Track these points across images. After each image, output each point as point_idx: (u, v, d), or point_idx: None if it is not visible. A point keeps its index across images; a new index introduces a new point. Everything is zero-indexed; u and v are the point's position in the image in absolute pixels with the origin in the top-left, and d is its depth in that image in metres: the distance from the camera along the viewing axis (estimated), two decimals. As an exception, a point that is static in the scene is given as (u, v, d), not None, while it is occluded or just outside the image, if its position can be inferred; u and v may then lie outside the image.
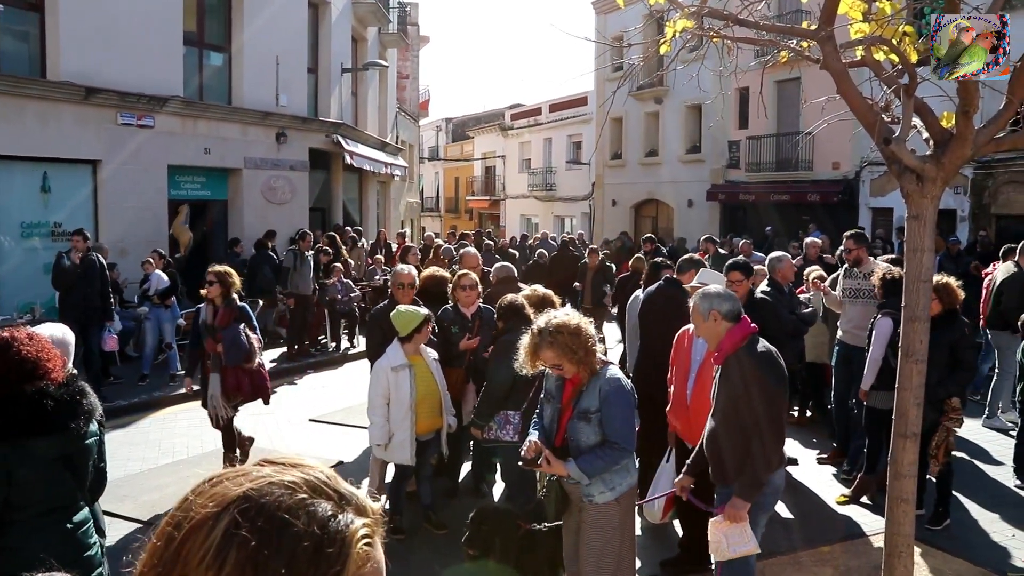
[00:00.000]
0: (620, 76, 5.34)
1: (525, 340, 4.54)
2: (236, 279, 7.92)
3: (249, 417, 10.66)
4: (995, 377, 9.97)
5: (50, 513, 3.58)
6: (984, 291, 10.51)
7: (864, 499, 7.44)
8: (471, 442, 7.42)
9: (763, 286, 8.18)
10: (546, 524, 4.74)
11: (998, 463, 8.61)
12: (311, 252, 14.91)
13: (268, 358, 14.06)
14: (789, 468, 8.30)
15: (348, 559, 0.96)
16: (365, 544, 0.99)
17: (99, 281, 11.07)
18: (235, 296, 7.86)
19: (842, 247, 8.83)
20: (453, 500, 7.39)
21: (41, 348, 3.53)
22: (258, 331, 8.04)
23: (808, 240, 12.11)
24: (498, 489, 7.63)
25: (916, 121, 4.37)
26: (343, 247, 17.13)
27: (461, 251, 11.40)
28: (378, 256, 17.87)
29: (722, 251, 16.08)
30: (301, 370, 13.84)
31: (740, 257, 9.65)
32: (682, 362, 5.87)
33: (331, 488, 1.03)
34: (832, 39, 4.22)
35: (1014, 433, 9.44)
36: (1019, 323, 8.45)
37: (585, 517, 4.49)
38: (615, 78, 26.30)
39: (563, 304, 7.25)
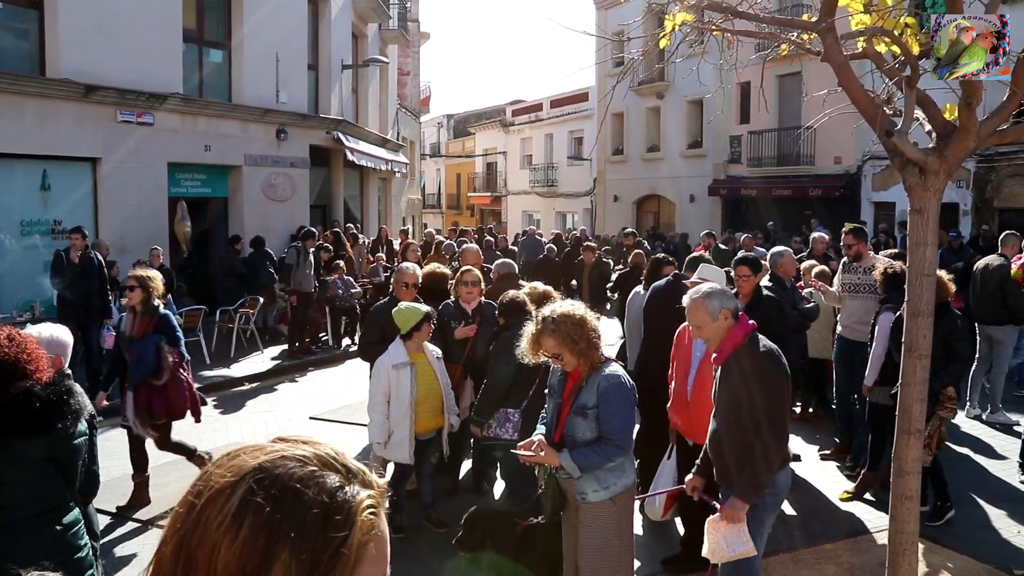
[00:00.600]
0: (621, 71, 5.28)
1: (529, 328, 4.51)
2: (159, 284, 7.18)
3: (249, 415, 10.67)
4: (993, 371, 9.91)
5: (40, 515, 3.54)
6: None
7: (868, 495, 7.39)
8: (472, 439, 7.37)
9: (765, 281, 8.13)
10: (543, 518, 4.72)
11: (1002, 458, 8.56)
12: (312, 249, 14.87)
13: (269, 355, 14.08)
14: (792, 464, 8.25)
15: (354, 526, 1.04)
16: (370, 513, 1.07)
17: (98, 279, 11.04)
18: (157, 303, 7.10)
19: (841, 242, 8.77)
20: (453, 498, 7.35)
21: (22, 349, 3.48)
22: (182, 343, 7.23)
23: (815, 235, 12.02)
24: (499, 487, 7.59)
25: (918, 113, 4.32)
26: (345, 244, 17.11)
27: (462, 247, 11.36)
28: (379, 254, 17.85)
29: (723, 246, 15.95)
30: (302, 368, 13.81)
31: (749, 252, 9.59)
32: (682, 358, 5.82)
33: (339, 463, 1.11)
34: (833, 31, 4.17)
35: (1018, 428, 9.41)
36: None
37: (581, 517, 4.44)
38: (616, 73, 26.20)
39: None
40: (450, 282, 8.07)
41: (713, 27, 4.75)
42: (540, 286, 6.91)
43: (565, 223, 37.88)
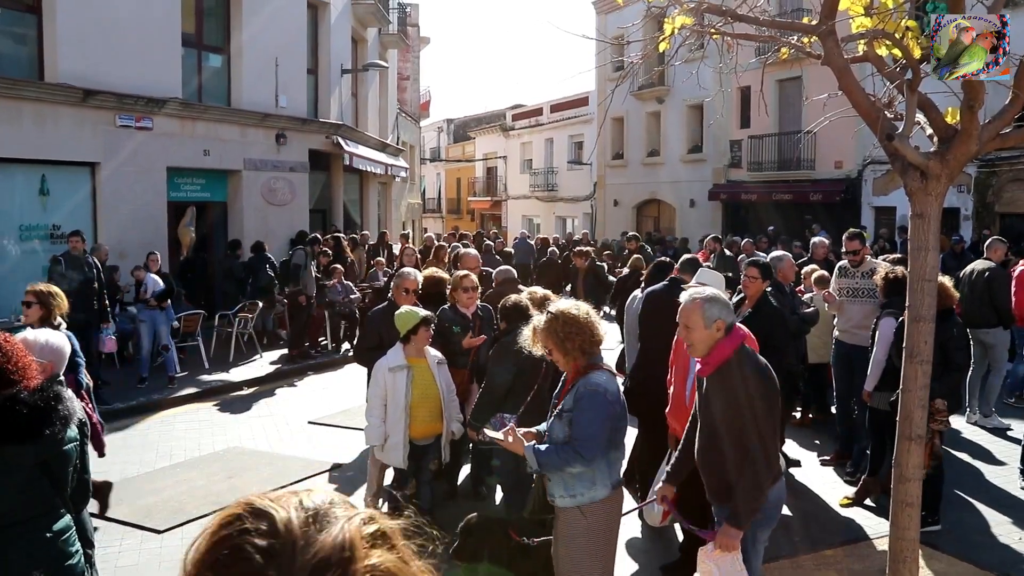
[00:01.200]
0: (621, 76, 5.26)
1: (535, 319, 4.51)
2: (62, 300, 6.52)
3: (248, 419, 10.64)
4: (990, 376, 9.88)
5: (29, 521, 3.50)
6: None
7: (868, 501, 7.35)
8: (471, 444, 7.34)
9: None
10: (535, 540, 4.68)
11: (1001, 463, 8.52)
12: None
13: (268, 360, 14.05)
14: (792, 470, 8.23)
15: None
16: None
17: (96, 283, 11.01)
18: (59, 322, 6.46)
19: (844, 248, 8.74)
20: (452, 503, 7.31)
21: (7, 356, 3.45)
22: (81, 368, 6.39)
23: (816, 240, 11.98)
24: (499, 493, 7.55)
25: (920, 117, 4.30)
26: (345, 248, 17.07)
27: (461, 252, 11.31)
28: (379, 259, 17.81)
29: (728, 252, 15.71)
30: (301, 372, 13.77)
31: (761, 256, 9.59)
32: (682, 363, 5.79)
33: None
34: (833, 34, 4.15)
35: (1011, 433, 9.38)
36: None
37: (557, 524, 4.40)
38: (616, 78, 26.18)
39: None
40: (447, 286, 8.04)
41: (713, 31, 4.73)
42: (539, 290, 6.87)
43: (565, 228, 37.86)
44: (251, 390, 12.50)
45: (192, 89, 16.56)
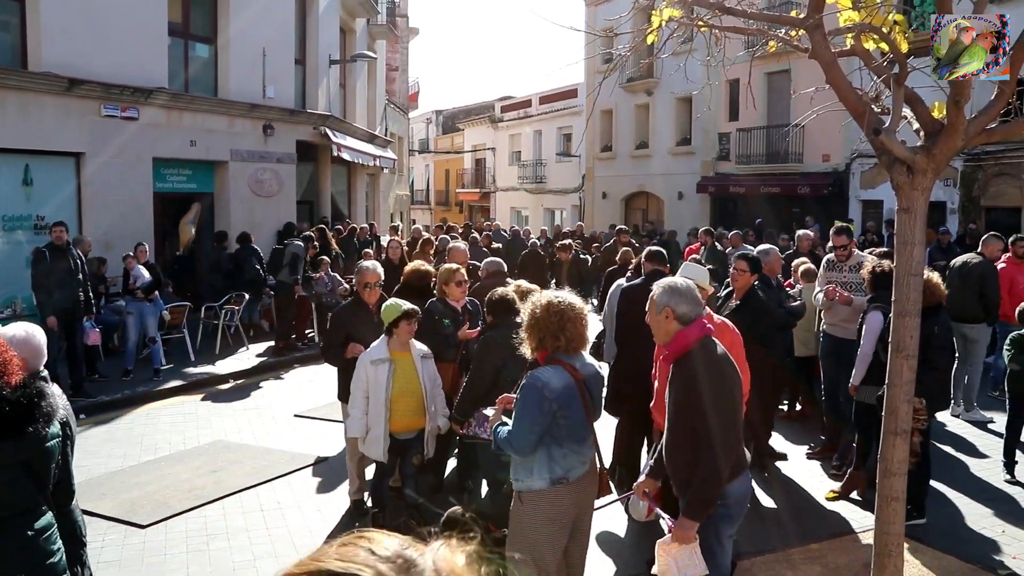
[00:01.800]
0: (609, 68, 5.23)
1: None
2: None
3: (234, 412, 10.59)
4: (969, 369, 9.93)
5: (10, 519, 3.47)
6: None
7: (854, 495, 7.36)
8: (458, 438, 7.32)
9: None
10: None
11: (984, 456, 8.56)
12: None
13: (254, 352, 13.99)
14: (778, 463, 8.24)
15: None
16: None
17: (80, 274, 10.93)
18: None
19: (831, 242, 8.76)
20: (438, 496, 7.29)
21: None
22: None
23: (800, 233, 12.00)
24: (484, 487, 7.54)
25: (906, 111, 4.29)
26: (331, 240, 16.98)
27: (450, 246, 11.25)
28: (367, 251, 17.72)
29: (719, 246, 15.54)
30: (287, 364, 13.72)
31: (738, 250, 9.60)
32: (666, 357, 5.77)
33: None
34: (821, 27, 4.14)
35: (993, 427, 9.43)
36: (1016, 312, 8.31)
37: None
38: (605, 70, 26.03)
39: None
40: (433, 279, 8.01)
41: (701, 23, 4.71)
42: (524, 284, 6.85)
43: (553, 220, 37.82)
44: (237, 383, 12.45)
45: (179, 79, 16.44)
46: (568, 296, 4.54)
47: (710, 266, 8.91)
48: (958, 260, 10.29)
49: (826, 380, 8.45)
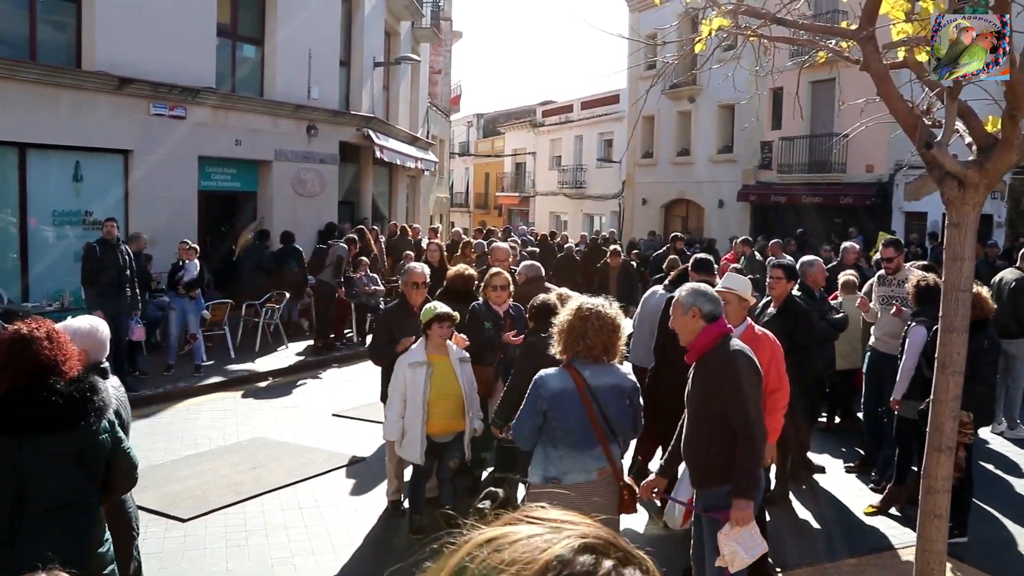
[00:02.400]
0: (653, 75, 5.24)
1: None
2: None
3: (273, 410, 10.71)
4: (1009, 385, 9.76)
5: (60, 508, 3.55)
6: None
7: (893, 510, 7.27)
8: (495, 441, 7.33)
9: (794, 290, 8.02)
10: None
11: (1031, 476, 8.42)
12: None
13: (293, 351, 14.12)
14: (816, 476, 8.16)
15: None
16: None
17: (128, 271, 11.11)
18: None
19: (880, 255, 8.68)
20: (474, 498, 7.30)
21: (59, 349, 3.55)
22: None
23: (846, 245, 11.83)
24: (521, 489, 7.54)
25: (959, 125, 4.24)
26: (371, 241, 17.10)
27: (492, 246, 11.22)
28: (408, 252, 17.82)
29: (759, 256, 15.11)
30: (325, 364, 13.83)
31: (788, 258, 9.53)
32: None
33: (626, 551, 0.99)
34: (873, 39, 4.11)
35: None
36: None
37: None
38: (648, 76, 25.90)
39: None
40: (476, 282, 8.04)
41: (750, 33, 4.69)
42: (566, 291, 6.85)
43: (592, 225, 37.76)
44: (276, 381, 12.58)
45: (226, 79, 16.64)
46: (600, 304, 4.65)
47: (751, 276, 8.84)
48: (996, 277, 10.15)
49: (868, 394, 8.35)
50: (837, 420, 9.92)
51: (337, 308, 14.82)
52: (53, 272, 13.40)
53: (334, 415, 10.46)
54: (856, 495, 7.79)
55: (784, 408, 5.66)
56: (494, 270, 7.70)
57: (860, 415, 9.17)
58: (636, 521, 6.82)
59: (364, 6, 20.63)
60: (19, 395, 3.46)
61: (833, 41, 4.71)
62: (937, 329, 4.58)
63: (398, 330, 7.01)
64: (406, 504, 7.02)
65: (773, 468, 7.11)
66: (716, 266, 8.31)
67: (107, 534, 3.79)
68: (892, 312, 8.03)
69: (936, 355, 4.39)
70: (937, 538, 4.36)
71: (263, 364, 13.21)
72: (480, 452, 7.46)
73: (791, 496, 7.48)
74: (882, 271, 8.67)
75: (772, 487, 7.21)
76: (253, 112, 16.97)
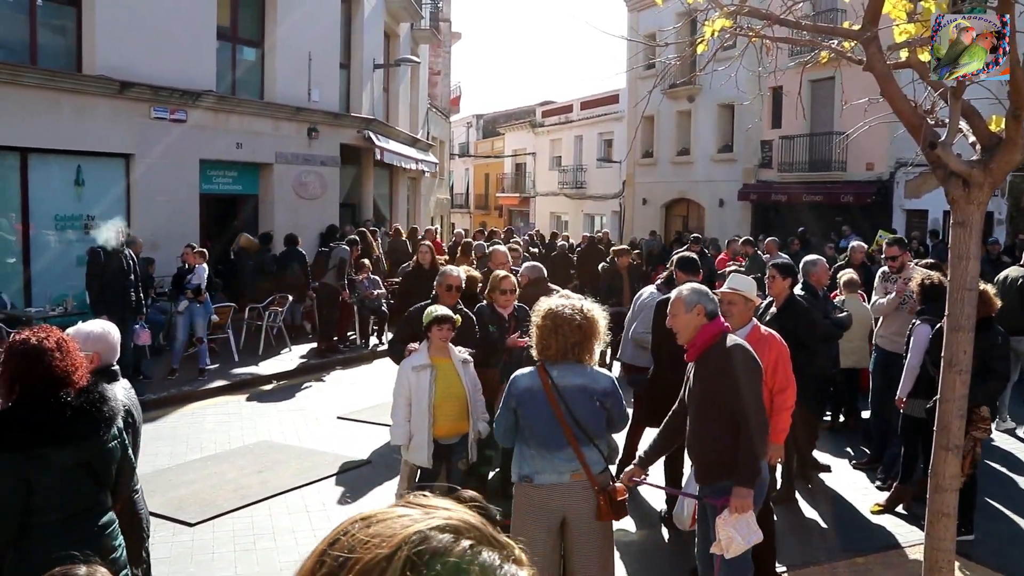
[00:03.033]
0: (653, 75, 5.26)
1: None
2: None
3: (278, 413, 10.72)
4: (1016, 383, 9.80)
5: (71, 517, 3.56)
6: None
7: (899, 508, 7.28)
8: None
9: (797, 289, 8.02)
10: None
11: (1034, 473, 8.43)
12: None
13: (297, 353, 14.13)
14: (822, 475, 8.18)
15: None
16: None
17: (132, 275, 11.12)
18: None
19: (884, 253, 8.71)
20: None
21: (69, 359, 3.54)
22: None
23: (854, 244, 11.79)
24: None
25: (963, 124, 4.25)
26: (372, 243, 17.10)
27: (491, 249, 11.15)
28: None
29: (763, 255, 14.79)
30: (329, 366, 13.84)
31: (784, 256, 9.56)
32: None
33: (490, 535, 1.05)
34: (876, 40, 4.12)
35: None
36: None
37: None
38: (648, 76, 26.02)
39: None
40: (479, 285, 8.04)
41: (752, 33, 4.70)
42: (567, 293, 6.85)
43: (593, 226, 37.74)
44: (280, 384, 12.59)
45: (226, 82, 16.68)
46: (571, 304, 4.68)
47: (756, 275, 8.86)
48: (1001, 274, 10.18)
49: (874, 392, 8.36)
50: (841, 419, 9.92)
51: (340, 310, 14.83)
52: (55, 277, 13.42)
53: (339, 418, 10.47)
54: (862, 493, 7.80)
55: (791, 407, 5.67)
56: (501, 274, 7.67)
57: (864, 414, 9.19)
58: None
59: (363, 8, 20.66)
60: (28, 407, 3.46)
61: (835, 41, 4.73)
62: (941, 327, 4.60)
63: (420, 330, 6.99)
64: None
65: (779, 468, 7.12)
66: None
67: (120, 539, 3.80)
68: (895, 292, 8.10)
69: (943, 354, 4.40)
70: (946, 536, 4.38)
71: (267, 367, 13.22)
72: (486, 450, 7.45)
73: (797, 495, 7.50)
74: (885, 268, 8.68)
75: (778, 487, 7.23)
76: (254, 115, 17.00)
